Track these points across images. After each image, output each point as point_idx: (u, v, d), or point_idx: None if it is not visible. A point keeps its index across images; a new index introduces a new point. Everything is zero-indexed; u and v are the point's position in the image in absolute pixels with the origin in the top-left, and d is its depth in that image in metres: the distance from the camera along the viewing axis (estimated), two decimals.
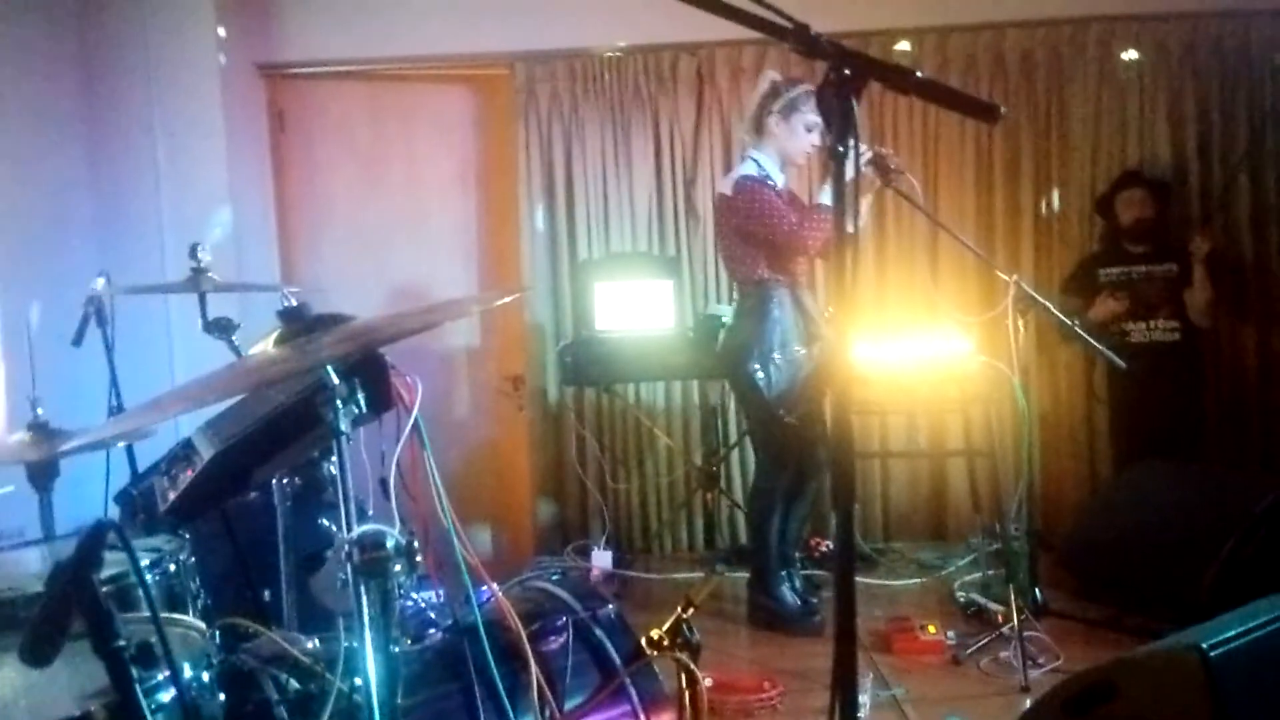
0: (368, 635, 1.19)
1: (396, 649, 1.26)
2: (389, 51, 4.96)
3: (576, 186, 4.99)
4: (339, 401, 1.29)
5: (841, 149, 1.16)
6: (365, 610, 1.20)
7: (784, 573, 3.84)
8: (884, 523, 4.95)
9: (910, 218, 4.81)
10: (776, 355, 3.68)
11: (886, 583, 4.17)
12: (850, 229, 3.83)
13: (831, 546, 4.49)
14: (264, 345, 1.40)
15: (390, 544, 1.20)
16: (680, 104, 4.96)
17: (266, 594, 2.10)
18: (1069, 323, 3.41)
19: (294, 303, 1.39)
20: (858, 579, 3.74)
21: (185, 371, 4.19)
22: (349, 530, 1.22)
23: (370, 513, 1.92)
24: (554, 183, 5.01)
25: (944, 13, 4.79)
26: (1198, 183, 4.83)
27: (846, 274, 1.24)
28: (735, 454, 4.92)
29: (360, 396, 1.31)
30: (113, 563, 1.74)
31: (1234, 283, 4.68)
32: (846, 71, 1.14)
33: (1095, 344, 3.48)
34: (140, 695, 0.98)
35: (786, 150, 3.73)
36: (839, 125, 1.16)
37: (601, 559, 4.47)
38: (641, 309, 4.61)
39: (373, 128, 5.19)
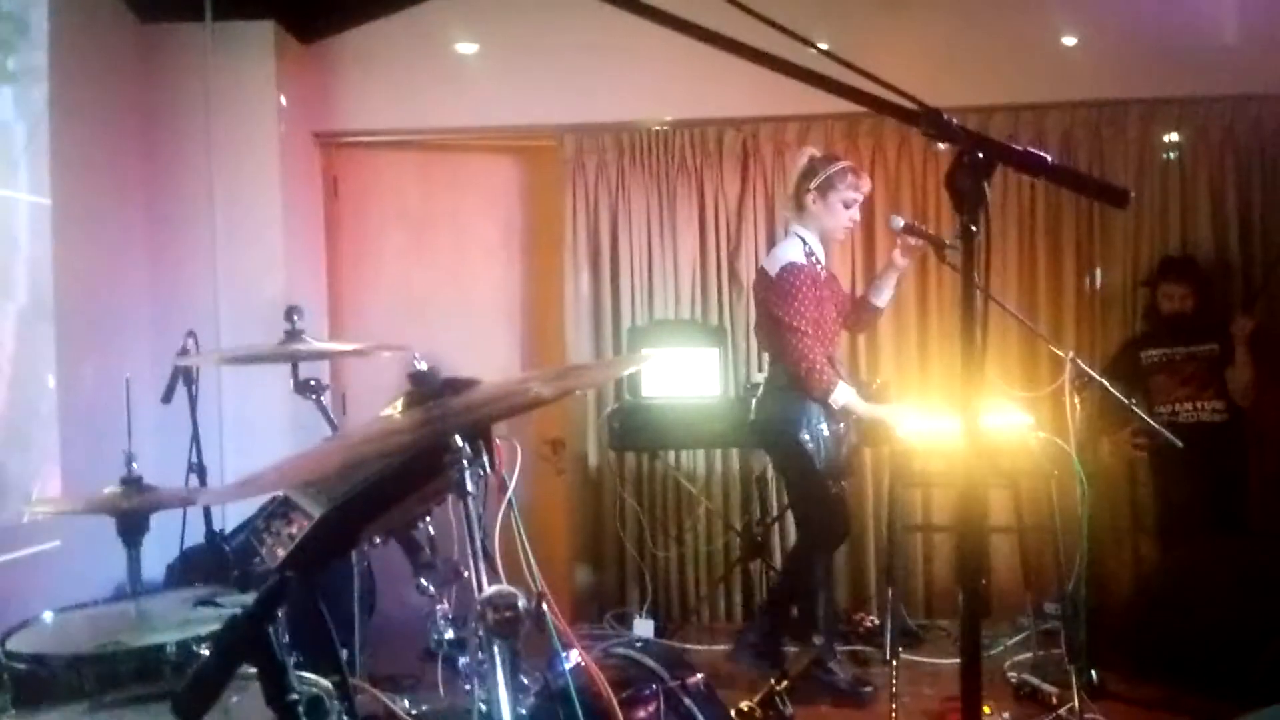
0: (502, 696, 1.20)
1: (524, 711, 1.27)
2: (440, 122, 5.09)
3: (621, 255, 5.06)
4: (466, 463, 1.32)
5: (973, 230, 1.20)
6: (497, 670, 1.21)
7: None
8: (926, 598, 4.91)
9: (954, 291, 4.85)
10: (823, 426, 3.71)
11: (935, 660, 4.12)
12: (881, 304, 3.88)
13: (876, 621, 4.46)
14: (393, 409, 1.43)
15: (521, 604, 1.21)
16: (725, 176, 5.04)
17: (344, 652, 2.11)
18: (1125, 401, 3.42)
19: (424, 366, 1.42)
20: (905, 656, 3.82)
21: (252, 429, 4.27)
22: (479, 590, 1.24)
23: (465, 574, 1.94)
24: (599, 251, 5.08)
25: (984, 93, 4.88)
26: (1240, 262, 4.86)
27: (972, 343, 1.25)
28: (778, 525, 4.90)
29: (485, 459, 1.34)
30: (210, 619, 1.77)
31: (1276, 361, 4.68)
32: (980, 155, 1.18)
33: (1152, 423, 3.49)
34: None
35: (825, 227, 3.79)
36: (971, 208, 1.20)
37: (643, 628, 4.44)
38: (687, 376, 4.64)
39: (422, 196, 5.30)
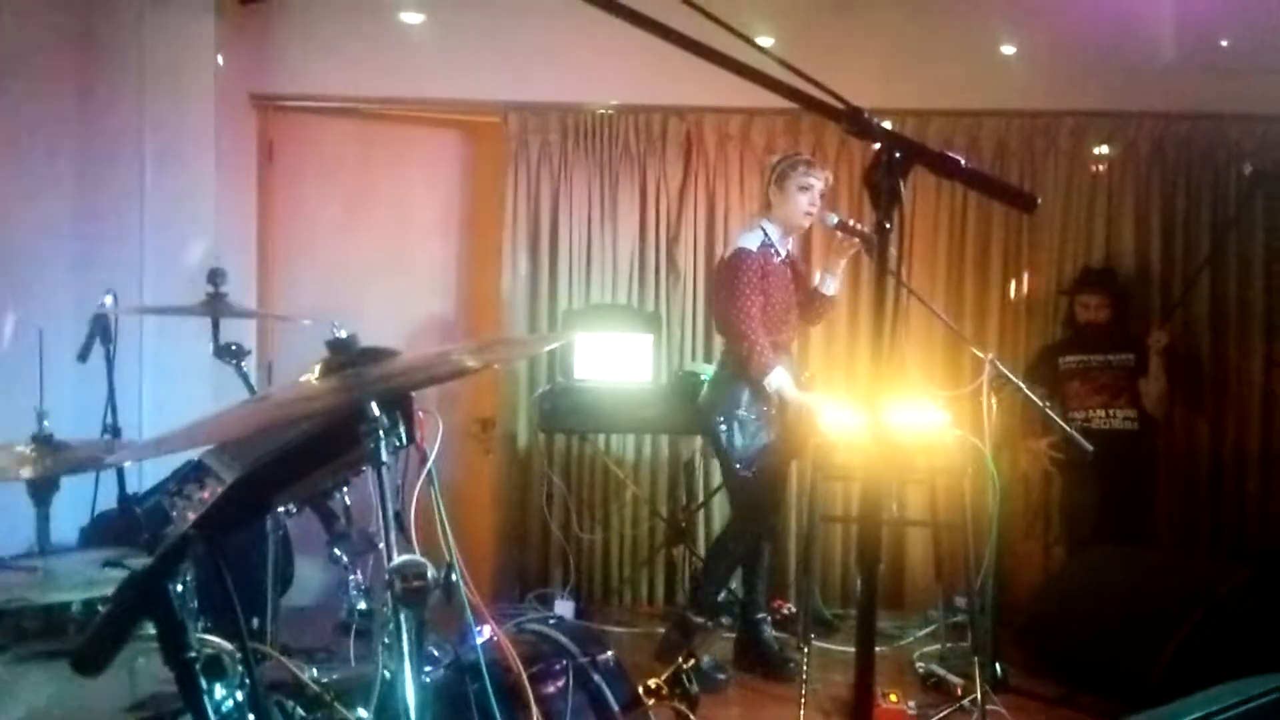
0: (406, 665, 1.22)
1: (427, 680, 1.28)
2: (383, 91, 5.02)
3: (561, 237, 5.05)
4: (381, 433, 1.32)
5: (888, 226, 1.23)
6: (402, 639, 1.22)
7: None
8: (842, 589, 5.00)
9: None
10: (741, 412, 3.87)
11: (846, 649, 4.20)
12: (829, 292, 4.01)
13: (793, 609, 4.54)
14: (310, 375, 1.43)
15: (430, 574, 1.23)
16: (668, 164, 5.06)
17: (255, 621, 2.10)
18: (1041, 404, 3.52)
19: (343, 334, 1.42)
20: (818, 644, 3.90)
21: (171, 393, 4.20)
22: (390, 559, 1.25)
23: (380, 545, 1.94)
24: (539, 232, 5.06)
25: (924, 97, 4.97)
26: (1159, 277, 5.02)
27: (884, 334, 1.29)
28: (702, 511, 4.96)
29: (402, 429, 1.35)
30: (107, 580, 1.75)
31: (1188, 376, 4.85)
32: (897, 154, 1.22)
33: (1065, 427, 3.60)
34: (208, 706, 1.00)
35: (787, 216, 3.92)
36: (886, 204, 1.23)
37: (564, 608, 4.46)
38: (620, 361, 4.67)
39: (360, 165, 5.23)
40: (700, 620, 4.05)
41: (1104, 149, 5.04)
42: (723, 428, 3.90)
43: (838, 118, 1.24)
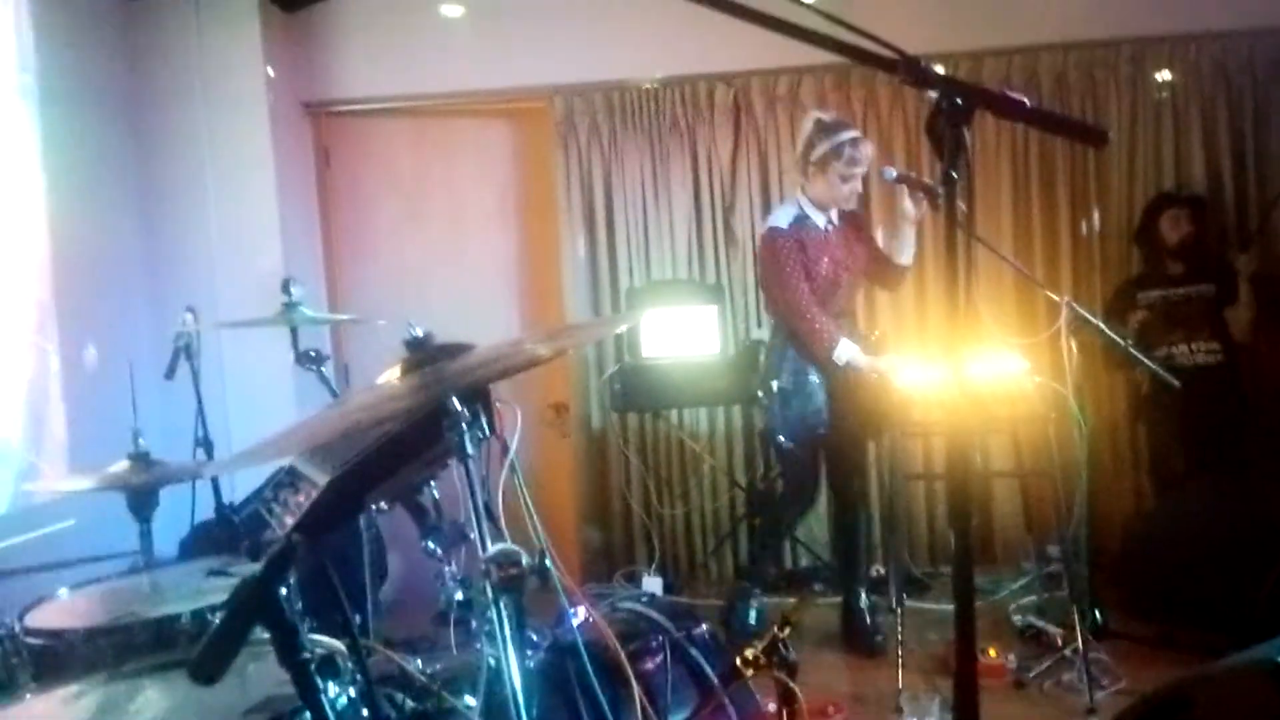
0: (509, 651, 1.24)
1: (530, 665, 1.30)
2: (430, 88, 5.07)
3: (616, 216, 5.06)
4: (465, 426, 1.34)
5: (954, 176, 1.21)
6: (503, 626, 1.24)
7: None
8: (929, 546, 4.95)
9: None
10: (777, 383, 3.85)
11: (940, 607, 4.16)
12: (905, 262, 3.91)
13: (882, 570, 4.51)
14: (391, 375, 1.46)
15: (524, 560, 1.25)
16: (717, 133, 5.02)
17: (357, 617, 2.15)
18: (1122, 343, 3.44)
19: (420, 333, 1.44)
20: (910, 604, 3.87)
21: (256, 402, 4.31)
22: (484, 549, 1.27)
23: (471, 535, 1.97)
24: (594, 213, 5.07)
25: (977, 37, 4.86)
26: (1233, 202, 4.84)
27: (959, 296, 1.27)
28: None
29: (483, 421, 1.37)
30: (222, 588, 1.80)
31: (1273, 303, 4.68)
32: (958, 100, 1.19)
33: (1149, 363, 3.51)
34: (326, 704, 1.03)
35: (830, 198, 3.81)
36: (951, 154, 1.21)
37: (652, 585, 4.50)
38: (686, 335, 4.67)
39: (415, 162, 5.29)
40: (756, 590, 4.05)
41: (1165, 74, 4.87)
42: (764, 400, 3.91)
43: (892, 68, 1.21)
